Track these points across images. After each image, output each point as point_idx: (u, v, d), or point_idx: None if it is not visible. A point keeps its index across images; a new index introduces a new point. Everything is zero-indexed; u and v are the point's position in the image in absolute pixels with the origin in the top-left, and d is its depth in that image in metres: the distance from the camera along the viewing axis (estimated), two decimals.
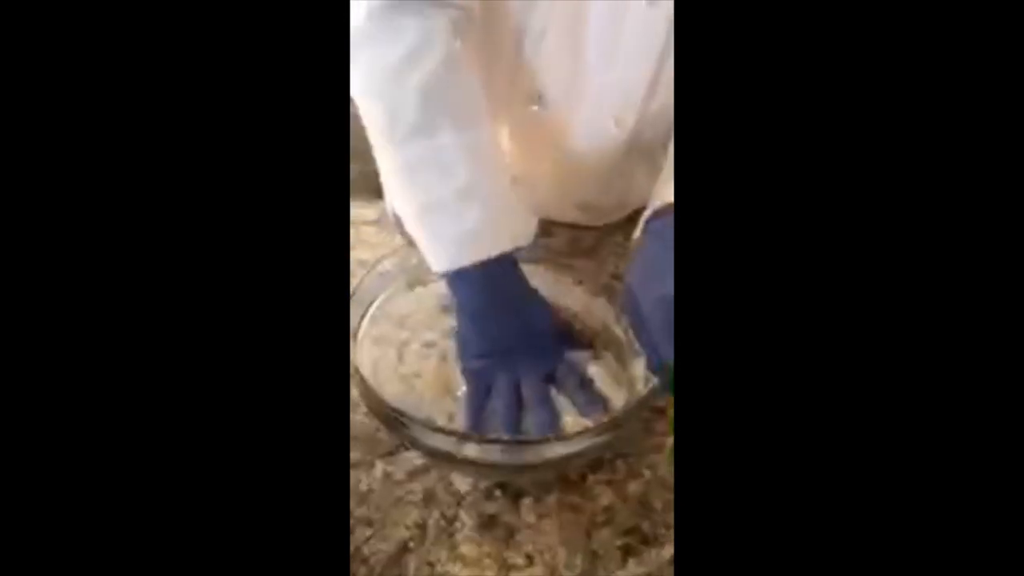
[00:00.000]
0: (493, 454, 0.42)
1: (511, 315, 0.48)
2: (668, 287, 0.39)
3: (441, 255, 0.46)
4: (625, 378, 0.49)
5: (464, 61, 0.47)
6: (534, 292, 0.50)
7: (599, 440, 0.41)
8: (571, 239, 0.68)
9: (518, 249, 0.47)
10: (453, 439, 0.41)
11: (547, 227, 0.69)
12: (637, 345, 0.48)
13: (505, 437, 0.44)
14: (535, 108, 0.58)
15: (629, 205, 0.72)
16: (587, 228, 0.70)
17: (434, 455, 0.42)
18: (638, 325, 0.44)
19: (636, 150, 0.63)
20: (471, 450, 0.41)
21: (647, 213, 0.48)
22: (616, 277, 0.54)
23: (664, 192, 0.49)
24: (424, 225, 0.47)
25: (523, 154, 0.63)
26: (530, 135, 0.62)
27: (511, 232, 0.47)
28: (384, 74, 0.45)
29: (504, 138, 0.62)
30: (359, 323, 0.50)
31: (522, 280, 0.50)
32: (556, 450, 0.41)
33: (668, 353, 0.40)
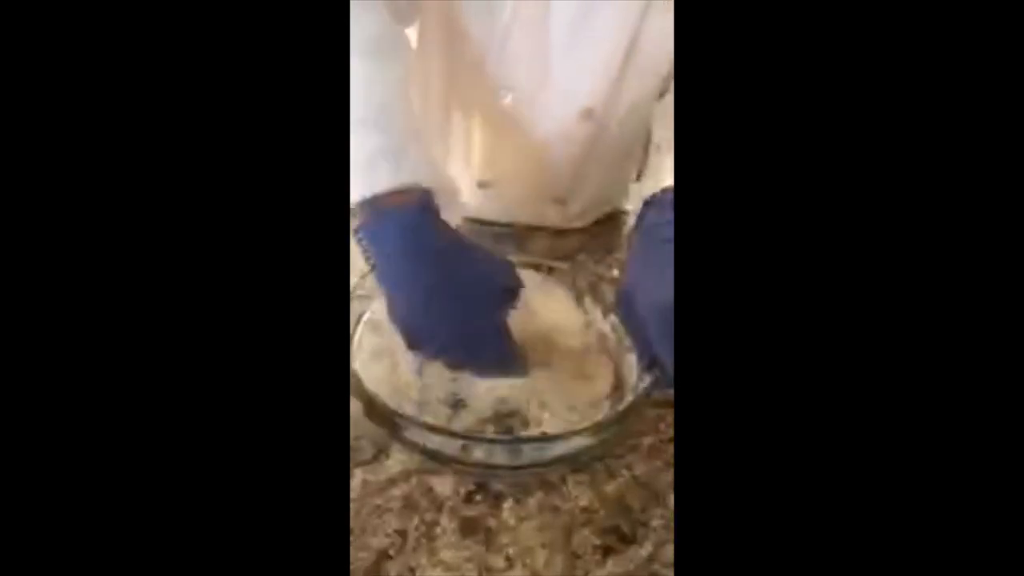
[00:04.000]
0: (496, 455, 0.42)
1: (441, 299, 0.43)
2: (666, 289, 0.40)
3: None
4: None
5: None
6: (467, 250, 0.45)
7: (599, 437, 0.42)
8: (551, 245, 0.69)
9: (431, 203, 0.44)
10: (454, 441, 0.42)
11: (527, 233, 0.70)
12: (628, 342, 0.48)
13: (505, 437, 0.45)
14: (507, 100, 0.60)
15: (605, 202, 0.73)
16: (566, 233, 0.71)
17: (432, 457, 0.43)
18: (635, 326, 0.44)
19: (607, 144, 0.64)
20: (473, 451, 0.42)
21: (639, 197, 0.49)
22: (600, 277, 0.55)
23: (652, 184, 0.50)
24: None
25: (495, 149, 0.64)
26: (501, 128, 0.63)
27: (411, 166, 0.43)
28: None
29: (476, 134, 0.63)
30: (351, 335, 0.51)
31: (449, 236, 0.45)
32: (564, 447, 0.42)
33: (665, 354, 0.41)
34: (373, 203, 0.43)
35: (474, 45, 0.57)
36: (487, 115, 0.62)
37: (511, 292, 0.47)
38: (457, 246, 0.46)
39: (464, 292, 0.44)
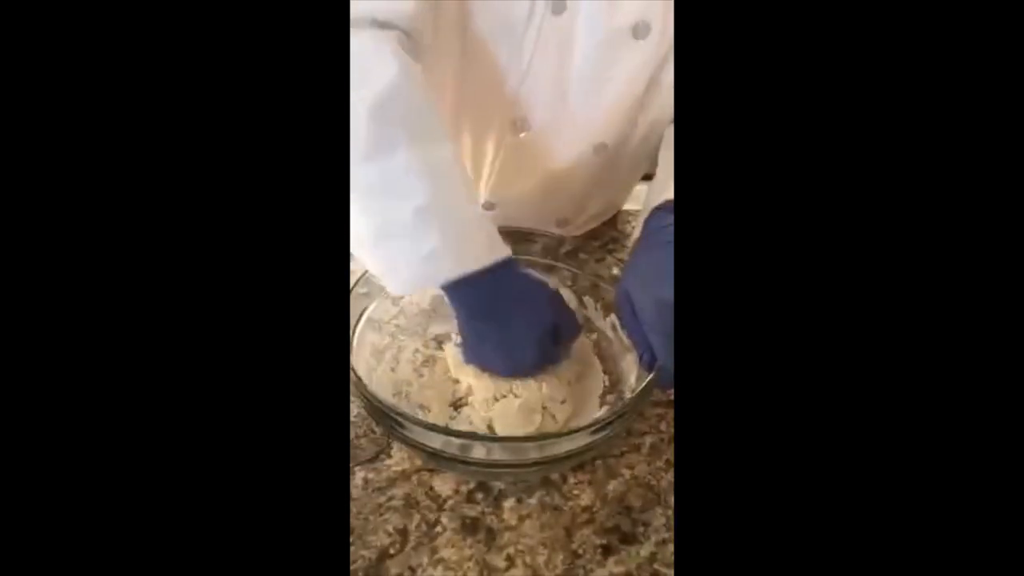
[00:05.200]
0: (493, 452, 0.42)
1: (512, 328, 0.45)
2: (666, 289, 0.40)
3: (398, 279, 0.43)
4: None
5: (419, 79, 0.44)
6: (534, 291, 0.47)
7: (599, 436, 0.42)
8: (552, 245, 0.69)
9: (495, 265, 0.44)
10: (452, 439, 0.41)
11: (527, 235, 0.70)
12: (627, 342, 0.49)
13: (505, 436, 0.45)
14: (523, 135, 0.59)
15: (606, 215, 0.73)
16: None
17: (431, 455, 0.42)
18: (634, 325, 0.45)
19: (615, 169, 0.64)
20: (471, 449, 0.42)
21: (646, 211, 0.49)
22: (600, 277, 0.55)
23: (660, 191, 0.50)
24: (380, 249, 0.43)
25: (506, 177, 0.64)
26: (514, 159, 0.62)
27: (474, 253, 0.43)
28: None
29: (488, 161, 0.63)
30: (351, 333, 0.51)
31: (520, 284, 0.47)
32: (561, 446, 0.41)
33: (664, 353, 0.42)
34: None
35: (491, 76, 0.55)
36: (499, 144, 0.62)
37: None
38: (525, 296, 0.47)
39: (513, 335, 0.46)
